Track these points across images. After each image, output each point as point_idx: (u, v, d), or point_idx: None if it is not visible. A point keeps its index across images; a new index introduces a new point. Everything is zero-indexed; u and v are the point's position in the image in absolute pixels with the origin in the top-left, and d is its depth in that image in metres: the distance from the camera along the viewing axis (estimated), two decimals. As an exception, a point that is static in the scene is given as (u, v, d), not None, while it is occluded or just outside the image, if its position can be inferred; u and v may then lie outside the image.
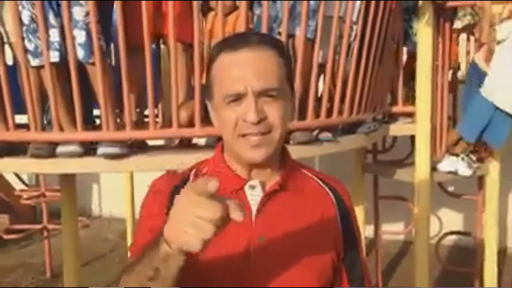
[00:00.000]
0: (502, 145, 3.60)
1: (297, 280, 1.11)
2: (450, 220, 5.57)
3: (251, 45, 1.08)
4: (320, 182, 1.23)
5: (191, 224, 0.83)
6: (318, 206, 1.19)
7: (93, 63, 2.26)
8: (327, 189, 1.22)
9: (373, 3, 2.84)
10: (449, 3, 3.54)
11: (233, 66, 1.07)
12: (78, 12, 2.23)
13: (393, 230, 5.22)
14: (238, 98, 1.06)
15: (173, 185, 1.17)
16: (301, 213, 1.16)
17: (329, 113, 2.74)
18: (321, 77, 2.97)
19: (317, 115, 2.66)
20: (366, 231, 4.41)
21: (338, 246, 1.18)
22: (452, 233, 4.75)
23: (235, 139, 1.09)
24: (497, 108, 3.34)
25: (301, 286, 1.12)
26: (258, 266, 1.10)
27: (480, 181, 4.15)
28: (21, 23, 2.22)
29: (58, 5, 2.23)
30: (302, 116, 2.59)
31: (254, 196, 1.14)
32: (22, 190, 5.42)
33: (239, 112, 1.07)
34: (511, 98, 3.32)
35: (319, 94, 2.92)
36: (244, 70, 1.06)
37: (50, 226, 5.05)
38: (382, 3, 2.91)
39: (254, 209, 1.13)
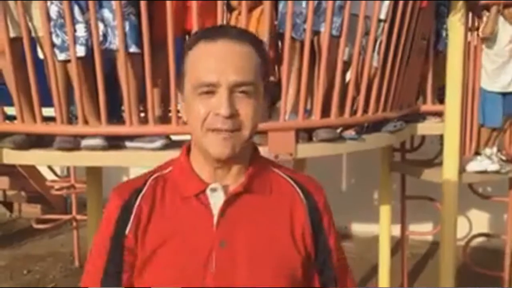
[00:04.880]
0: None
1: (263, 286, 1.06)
2: (479, 221, 5.47)
3: (230, 37, 1.05)
4: (291, 182, 1.16)
5: None
6: (286, 207, 1.13)
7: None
8: (297, 188, 1.15)
9: (401, 2, 2.79)
10: (482, 2, 3.46)
11: (209, 57, 1.04)
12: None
13: (421, 231, 5.14)
14: (210, 90, 1.02)
15: (120, 206, 1.11)
16: (267, 215, 1.11)
17: (354, 111, 2.71)
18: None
19: (341, 112, 2.64)
20: (392, 230, 4.35)
21: (308, 248, 1.12)
22: (481, 235, 4.65)
23: (203, 134, 1.04)
24: None
25: None
26: (219, 272, 1.05)
27: (511, 182, 4.06)
28: (48, 18, 2.26)
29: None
30: (326, 113, 2.57)
31: (216, 200, 1.08)
32: (53, 181, 5.51)
33: (210, 106, 1.02)
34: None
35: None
36: (220, 61, 1.03)
37: (79, 217, 5.14)
38: (411, 2, 2.87)
39: (215, 213, 1.08)
